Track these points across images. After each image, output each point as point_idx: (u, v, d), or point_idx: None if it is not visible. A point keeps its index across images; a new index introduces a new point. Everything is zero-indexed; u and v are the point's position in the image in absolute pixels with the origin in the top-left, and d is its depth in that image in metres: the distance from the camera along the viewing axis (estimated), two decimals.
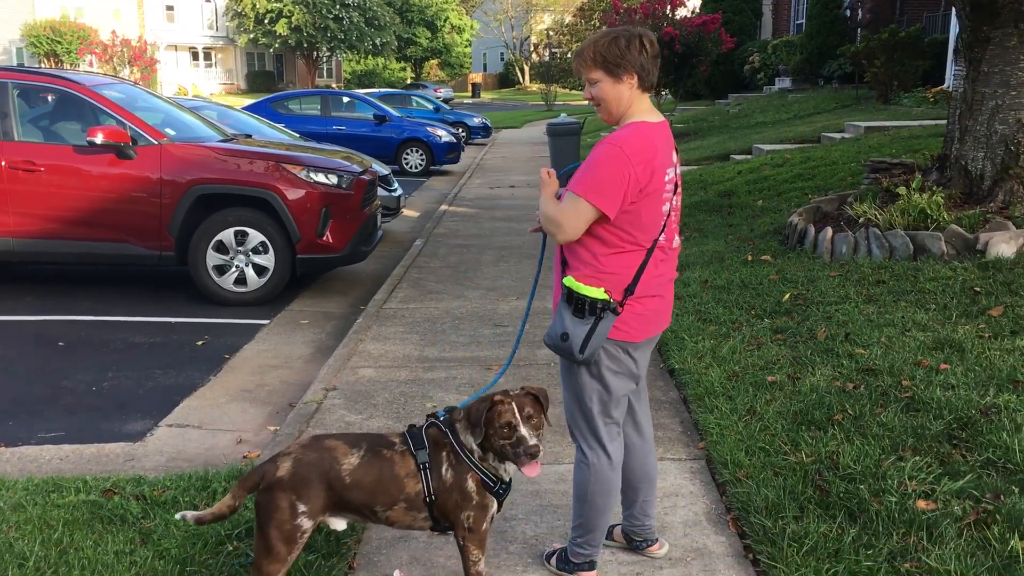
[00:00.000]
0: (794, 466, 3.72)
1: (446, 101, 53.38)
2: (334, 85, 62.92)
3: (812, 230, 7.36)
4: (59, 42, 50.46)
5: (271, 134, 11.31)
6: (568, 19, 47.91)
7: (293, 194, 7.52)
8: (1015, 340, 4.75)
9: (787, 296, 6.20)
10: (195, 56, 61.89)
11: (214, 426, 5.06)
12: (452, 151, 19.42)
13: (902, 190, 7.13)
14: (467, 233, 10.77)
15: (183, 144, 7.64)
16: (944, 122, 13.60)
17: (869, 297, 5.87)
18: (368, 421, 4.72)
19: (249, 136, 9.28)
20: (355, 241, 7.95)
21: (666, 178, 2.85)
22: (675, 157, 2.95)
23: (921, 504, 3.26)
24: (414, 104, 28.94)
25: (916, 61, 17.83)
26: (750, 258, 7.47)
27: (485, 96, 69.39)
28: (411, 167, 18.89)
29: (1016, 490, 3.28)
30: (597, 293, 2.82)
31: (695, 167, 14.13)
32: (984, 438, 3.69)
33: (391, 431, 3.33)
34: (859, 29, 22.14)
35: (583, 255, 2.88)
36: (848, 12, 22.38)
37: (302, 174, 7.61)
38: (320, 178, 7.69)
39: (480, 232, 10.93)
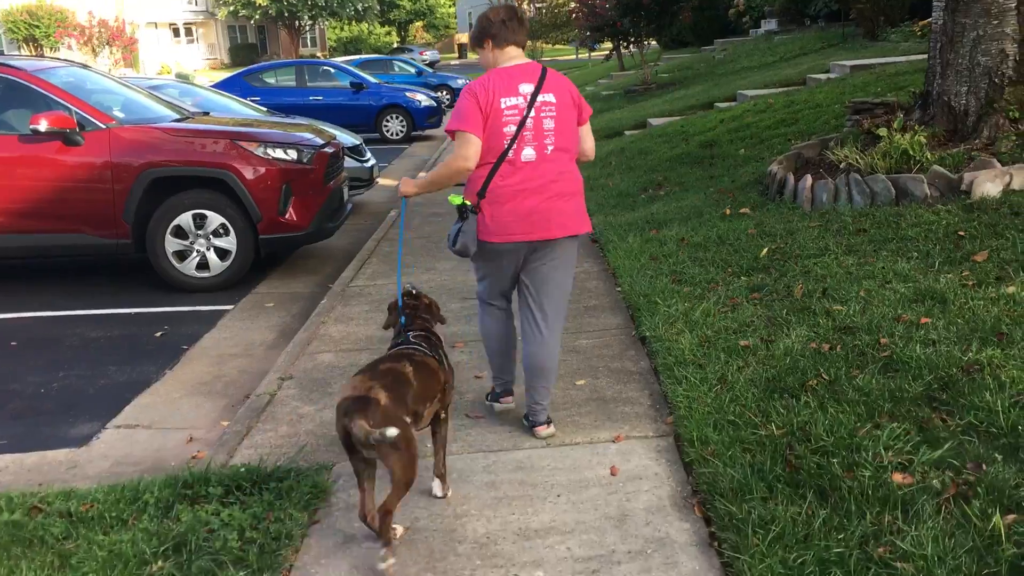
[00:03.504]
0: (764, 440, 3.46)
1: (432, 64, 52.77)
2: (319, 54, 62.10)
3: (791, 179, 7.05)
4: (37, 26, 49.69)
5: (238, 110, 10.97)
6: None
7: (250, 172, 7.22)
8: (1000, 287, 4.47)
9: (765, 251, 5.91)
10: (176, 33, 61.07)
11: (165, 424, 4.81)
12: (433, 115, 19.04)
13: (883, 131, 6.80)
14: (443, 201, 10.42)
15: (133, 127, 7.32)
16: None
17: (849, 248, 5.59)
18: (322, 412, 4.48)
19: (207, 114, 8.95)
20: (320, 217, 7.66)
21: (503, 105, 3.66)
22: (527, 88, 3.70)
23: (897, 478, 3.01)
24: (396, 69, 28.54)
25: None
26: (728, 212, 7.17)
27: (472, 56, 68.45)
28: (392, 134, 18.53)
29: (999, 457, 3.03)
30: (457, 200, 3.79)
31: (677, 118, 13.76)
32: (966, 399, 3.43)
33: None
34: None
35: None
36: None
37: (259, 151, 7.30)
38: (279, 154, 7.38)
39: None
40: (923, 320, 4.23)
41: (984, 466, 2.98)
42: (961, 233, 5.33)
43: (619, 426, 4.03)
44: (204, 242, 7.31)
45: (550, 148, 3.73)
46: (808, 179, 6.79)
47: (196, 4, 60.99)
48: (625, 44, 21.27)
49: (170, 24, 60.26)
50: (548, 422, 4.02)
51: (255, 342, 6.17)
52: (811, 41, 19.23)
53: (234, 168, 7.19)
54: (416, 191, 4.01)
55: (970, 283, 4.60)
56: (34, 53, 49.53)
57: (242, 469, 3.69)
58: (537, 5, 54.15)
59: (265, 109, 11.54)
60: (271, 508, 3.40)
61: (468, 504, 3.43)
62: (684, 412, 3.88)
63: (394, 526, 3.11)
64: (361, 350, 5.41)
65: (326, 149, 7.89)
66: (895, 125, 6.83)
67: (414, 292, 3.86)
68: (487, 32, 3.82)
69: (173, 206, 7.22)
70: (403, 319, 3.72)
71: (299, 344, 5.59)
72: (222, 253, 7.34)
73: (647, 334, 4.99)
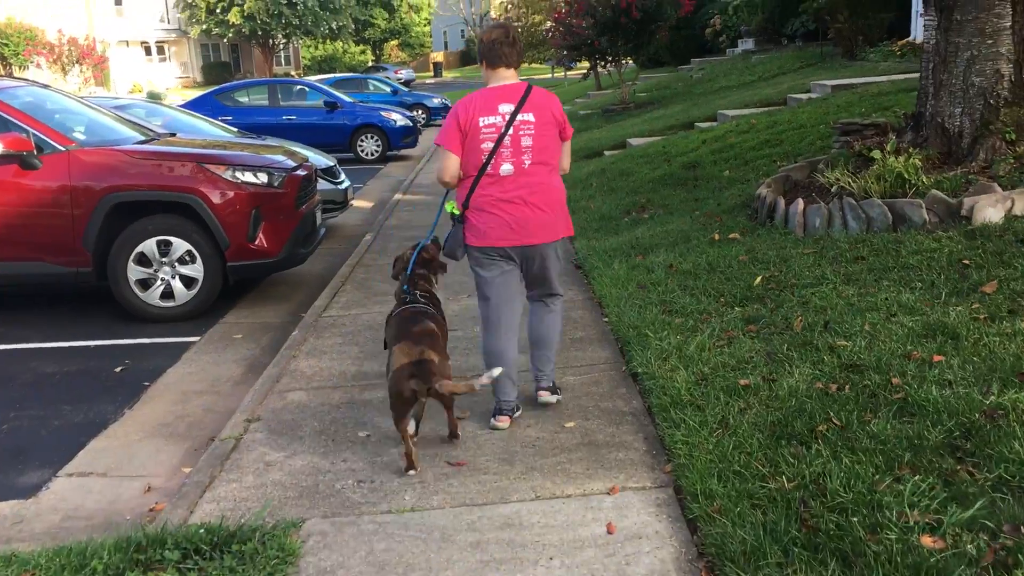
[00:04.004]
0: (775, 495, 3.17)
1: (407, 83, 52.53)
2: (293, 72, 61.74)
3: (782, 203, 6.81)
4: (6, 44, 48.96)
5: (207, 131, 10.63)
6: None
7: (218, 196, 6.88)
8: (1015, 322, 4.22)
9: (758, 279, 5.65)
10: (148, 51, 60.48)
11: (121, 472, 4.46)
12: (409, 135, 18.75)
13: (876, 153, 6.59)
14: (420, 223, 10.15)
15: (94, 149, 6.97)
16: (914, 75, 13.07)
17: (848, 277, 5.33)
18: (291, 460, 4.14)
19: (174, 135, 8.61)
20: (292, 243, 7.33)
21: (481, 123, 4.03)
22: (507, 108, 4.04)
23: (927, 541, 2.72)
24: (371, 88, 28.22)
25: (880, 14, 17.30)
26: (717, 237, 6.92)
27: (447, 75, 68.44)
28: (367, 154, 18.21)
29: None
30: (450, 208, 4.25)
31: (658, 138, 13.56)
32: (993, 448, 3.15)
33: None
34: None
35: None
36: None
37: (227, 174, 6.96)
38: (248, 177, 7.06)
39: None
40: (936, 358, 3.96)
41: (1022, 528, 2.70)
42: (966, 262, 5.09)
43: (614, 475, 3.72)
44: (169, 270, 6.97)
45: (528, 163, 4.07)
46: (800, 203, 6.55)
47: (168, 23, 60.46)
48: (602, 63, 21.09)
49: (142, 42, 59.67)
50: (549, 388, 4.50)
51: (222, 377, 5.82)
52: (789, 61, 19.16)
53: (201, 192, 6.85)
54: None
55: (982, 317, 4.35)
56: (3, 71, 48.88)
57: (201, 530, 3.35)
58: (513, 24, 54.20)
59: (236, 130, 11.20)
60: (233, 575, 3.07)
61: (452, 570, 3.11)
62: (684, 460, 3.58)
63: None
64: (335, 387, 5.07)
65: (298, 172, 7.57)
66: (888, 147, 6.62)
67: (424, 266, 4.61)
68: (480, 53, 4.21)
69: (136, 232, 6.87)
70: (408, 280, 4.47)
71: (268, 381, 5.25)
72: (188, 281, 6.99)
73: (639, 370, 4.70)
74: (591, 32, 19.10)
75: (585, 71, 24.51)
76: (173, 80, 58.74)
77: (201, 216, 6.87)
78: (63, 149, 6.80)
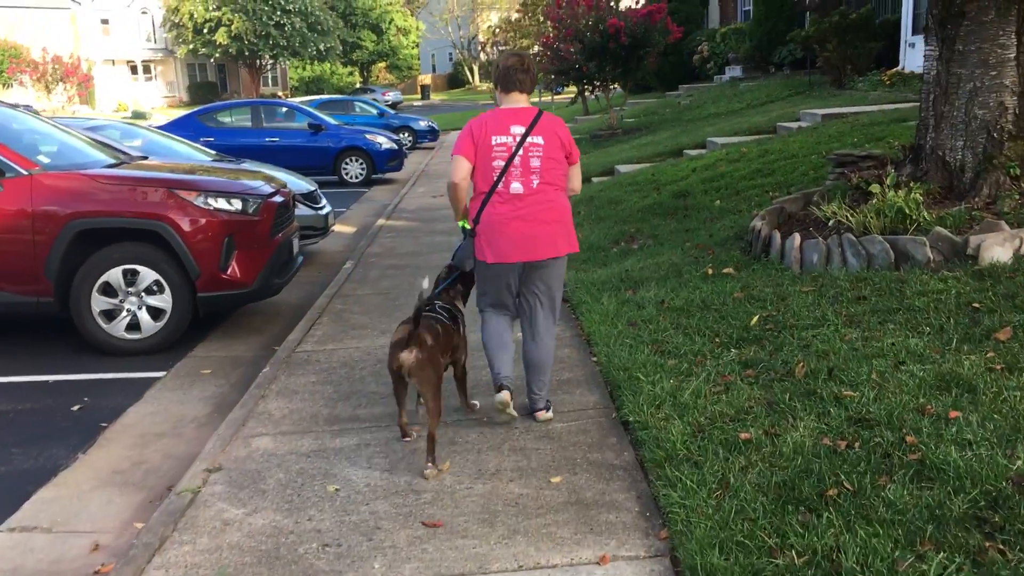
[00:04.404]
0: (783, 572, 2.86)
1: (394, 105, 52.36)
2: (280, 93, 61.52)
3: (777, 236, 6.54)
4: None
5: (183, 153, 10.31)
6: (514, 15, 47.05)
7: (188, 224, 6.55)
8: None
9: (755, 319, 5.36)
10: (134, 70, 60.15)
11: (68, 526, 4.10)
12: (394, 158, 18.47)
13: (875, 187, 6.33)
14: (403, 251, 9.85)
15: (59, 173, 6.64)
16: (906, 105, 12.95)
17: (850, 318, 5.05)
18: (251, 517, 3.79)
19: (146, 158, 8.28)
20: (266, 273, 6.99)
21: (493, 142, 4.30)
22: (518, 130, 4.31)
23: None
24: (357, 110, 28.01)
25: (869, 43, 17.22)
26: (711, 271, 6.64)
27: (435, 97, 68.35)
28: (351, 177, 17.91)
29: None
30: (462, 224, 4.54)
31: (647, 165, 13.33)
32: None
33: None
34: (808, 13, 21.51)
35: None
36: None
37: (198, 200, 6.64)
38: (220, 204, 6.73)
39: (418, 249, 10.01)
40: (952, 413, 3.67)
41: None
42: (976, 305, 4.81)
43: (604, 541, 3.40)
44: (136, 300, 6.62)
45: (536, 182, 4.34)
46: (796, 238, 6.28)
47: (155, 42, 60.16)
48: (590, 88, 20.93)
49: (128, 62, 59.34)
50: (546, 408, 4.67)
51: (186, 418, 5.47)
52: (777, 88, 19.05)
53: (170, 219, 6.52)
54: (456, 217, 4.64)
55: (998, 367, 4.06)
56: None
57: None
58: (500, 48, 54.17)
59: (214, 152, 10.86)
60: None
61: None
62: (681, 527, 3.27)
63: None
64: (304, 432, 4.73)
65: (274, 198, 7.26)
66: (888, 181, 6.37)
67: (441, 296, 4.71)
68: (497, 79, 4.50)
69: (101, 260, 6.52)
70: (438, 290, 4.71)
71: (233, 424, 4.90)
72: (156, 313, 6.65)
73: (630, 418, 4.39)
74: (579, 57, 18.94)
75: (573, 96, 24.35)
76: (159, 100, 58.37)
77: (170, 244, 6.54)
78: (25, 173, 6.46)
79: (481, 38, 68.16)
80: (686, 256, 7.47)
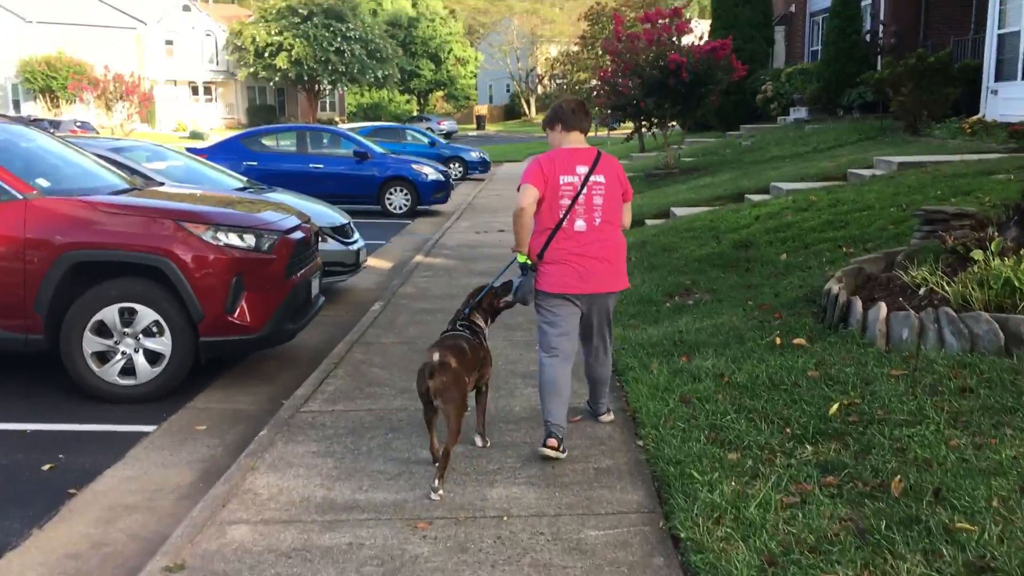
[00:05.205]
0: None
1: (449, 134, 52.20)
2: (337, 119, 61.78)
3: (859, 304, 5.67)
4: (54, 78, 49.42)
5: (211, 179, 9.73)
6: (573, 48, 46.61)
7: (194, 260, 5.91)
8: None
9: (835, 407, 4.50)
10: (195, 91, 60.95)
11: None
12: (440, 190, 17.84)
13: (977, 253, 5.45)
14: (437, 293, 9.12)
15: (58, 199, 6.05)
16: (990, 156, 11.97)
17: (955, 416, 4.17)
18: None
19: (162, 184, 7.69)
20: (279, 317, 6.31)
21: (561, 181, 4.53)
22: (583, 169, 4.57)
23: None
24: (409, 139, 27.55)
25: (947, 89, 16.22)
26: (779, 341, 5.78)
27: (490, 128, 68.19)
28: (395, 208, 17.32)
29: None
30: (523, 259, 4.69)
31: (705, 209, 12.48)
32: None
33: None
34: (880, 55, 20.57)
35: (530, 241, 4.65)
36: (869, 37, 20.80)
37: (207, 235, 5.99)
38: (231, 239, 6.08)
39: (453, 292, 9.26)
40: None
41: None
42: None
43: None
44: (132, 342, 5.97)
45: (598, 220, 4.57)
46: (882, 308, 5.41)
47: (217, 64, 60.92)
48: (647, 125, 20.16)
49: (189, 82, 60.13)
50: (608, 411, 5.10)
51: (166, 486, 4.75)
52: (846, 132, 18.10)
53: (174, 254, 5.88)
54: (519, 247, 4.70)
55: None
56: (49, 105, 49.24)
57: None
58: (558, 81, 53.77)
59: (245, 179, 10.29)
60: None
61: None
62: None
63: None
64: (290, 522, 3.97)
65: (293, 234, 6.60)
66: (992, 246, 5.48)
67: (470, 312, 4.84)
68: (559, 118, 4.73)
69: (97, 297, 5.90)
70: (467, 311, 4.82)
71: (211, 505, 4.17)
72: (153, 357, 5.99)
73: (682, 534, 3.56)
74: (637, 92, 18.20)
75: (629, 132, 23.58)
76: (218, 120, 58.98)
77: (173, 282, 5.89)
78: (20, 197, 5.88)
79: (539, 70, 67.98)
80: (748, 318, 6.62)
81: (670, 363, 5.79)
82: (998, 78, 15.82)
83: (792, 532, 3.38)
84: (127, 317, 5.93)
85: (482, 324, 4.80)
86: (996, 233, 5.83)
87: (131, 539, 4.17)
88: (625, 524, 3.86)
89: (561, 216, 4.53)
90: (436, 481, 4.19)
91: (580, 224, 4.55)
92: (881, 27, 20.77)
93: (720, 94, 19.11)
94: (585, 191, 4.54)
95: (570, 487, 4.24)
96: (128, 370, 5.98)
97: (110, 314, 5.90)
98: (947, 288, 5.41)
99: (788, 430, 4.41)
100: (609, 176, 4.63)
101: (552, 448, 4.51)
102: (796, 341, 5.69)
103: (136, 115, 46.22)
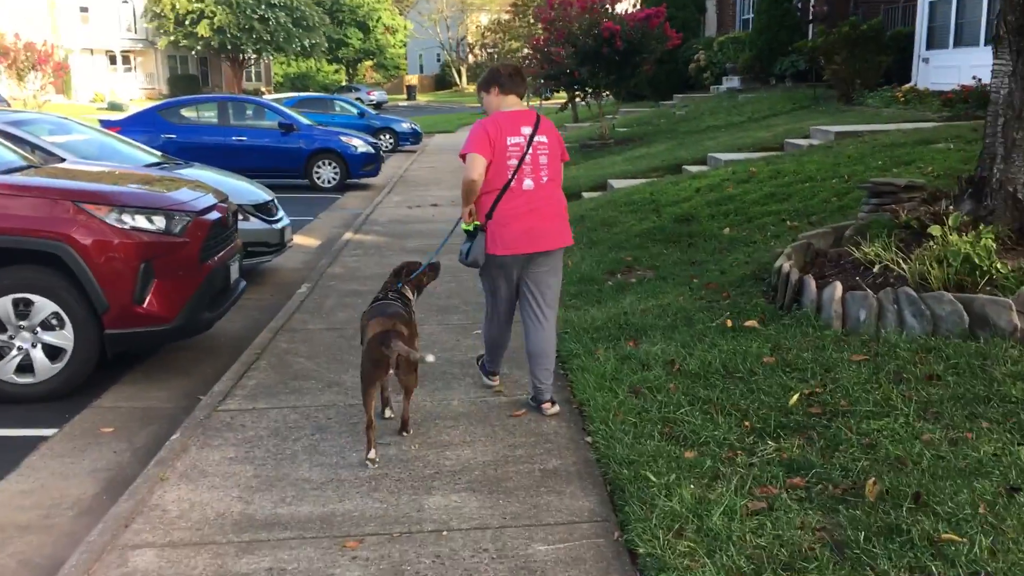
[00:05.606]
0: None
1: (379, 105, 51.10)
2: (264, 89, 60.11)
3: (812, 284, 5.40)
4: None
5: (123, 154, 9.04)
6: (504, 17, 45.88)
7: (95, 245, 5.37)
8: None
9: (795, 398, 4.22)
10: (113, 60, 58.59)
11: None
12: (370, 163, 17.21)
13: (935, 228, 5.20)
14: (367, 273, 8.65)
15: None
16: (926, 125, 11.86)
17: (923, 406, 3.91)
18: None
19: (63, 160, 7.06)
20: (193, 306, 5.80)
21: (508, 142, 4.57)
22: (527, 130, 4.63)
23: None
24: (337, 109, 26.73)
25: (879, 57, 16.19)
26: (730, 323, 5.49)
27: (421, 98, 67.06)
28: (323, 182, 16.66)
29: None
30: (466, 227, 4.71)
31: (643, 181, 12.19)
32: None
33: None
34: (811, 24, 20.50)
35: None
36: (800, 5, 20.70)
37: (110, 217, 5.44)
38: (138, 221, 5.54)
39: (384, 272, 8.66)
40: None
41: None
42: None
43: None
44: (29, 336, 5.42)
45: (544, 179, 4.66)
46: (837, 288, 5.14)
47: (135, 32, 58.59)
48: (581, 95, 19.78)
49: (107, 51, 57.77)
50: (552, 401, 4.80)
51: (65, 500, 4.26)
52: (779, 102, 18.01)
53: (73, 239, 5.33)
54: (464, 213, 4.72)
55: None
56: None
57: None
58: (489, 51, 53.08)
59: (160, 154, 9.63)
60: None
61: None
62: None
63: None
64: (202, 544, 3.54)
65: (208, 215, 6.06)
66: (950, 221, 5.24)
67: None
68: (496, 81, 4.78)
69: None
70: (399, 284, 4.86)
71: (112, 525, 3.70)
72: (53, 352, 5.45)
73: (640, 549, 3.22)
74: (570, 61, 17.79)
75: (563, 103, 23.20)
76: (138, 91, 56.83)
77: (72, 269, 5.34)
78: None
79: (470, 39, 67.04)
80: (695, 298, 6.32)
81: (616, 349, 5.46)
82: (929, 46, 15.81)
83: (761, 545, 3.07)
84: (22, 309, 5.38)
85: (411, 296, 4.86)
86: (951, 207, 5.61)
87: (22, 566, 3.69)
88: (577, 536, 3.51)
89: (510, 176, 4.57)
90: (403, 432, 4.53)
91: (528, 183, 4.60)
92: None
93: (654, 63, 18.81)
94: (531, 151, 4.60)
95: (515, 493, 3.88)
96: (25, 367, 5.44)
97: (3, 306, 5.35)
98: (903, 266, 5.17)
99: (747, 423, 4.11)
100: (551, 136, 4.72)
101: (494, 384, 5.17)
102: (748, 323, 5.40)
103: (51, 86, 44.21)
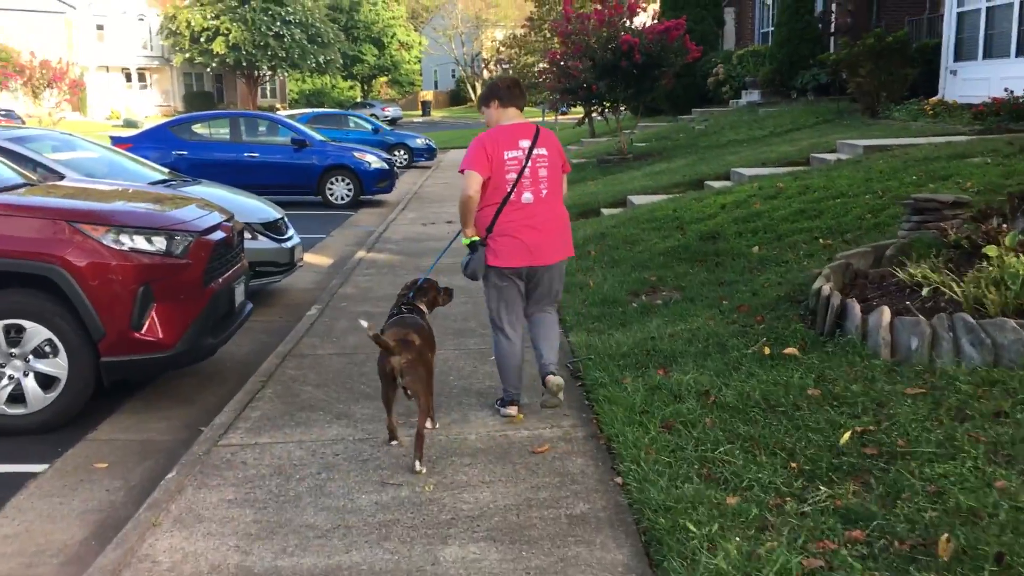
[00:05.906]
0: None
1: (394, 120, 51.04)
2: (278, 106, 60.19)
3: (856, 309, 5.01)
4: None
5: (130, 172, 8.77)
6: (519, 32, 45.70)
7: (90, 268, 5.07)
8: None
9: (847, 436, 3.84)
10: (128, 78, 58.82)
11: None
12: (384, 179, 16.94)
13: (991, 249, 4.82)
14: (380, 294, 8.31)
15: None
16: (959, 139, 11.41)
17: (993, 447, 3.53)
18: None
19: (62, 177, 6.77)
20: (195, 331, 5.48)
21: (506, 156, 4.61)
22: (525, 143, 4.66)
23: None
24: (351, 125, 26.55)
25: (905, 69, 15.77)
26: (767, 351, 5.11)
27: (436, 114, 67.05)
28: (336, 198, 16.39)
29: None
30: (466, 242, 4.74)
31: (663, 197, 11.81)
32: None
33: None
34: (833, 36, 20.13)
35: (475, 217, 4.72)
36: (821, 17, 20.33)
37: (107, 238, 5.13)
38: (137, 243, 5.23)
39: (396, 292, 8.46)
40: None
41: None
42: None
43: None
44: (20, 364, 5.12)
45: (544, 192, 4.70)
46: (885, 313, 4.75)
47: (151, 50, 58.82)
48: (599, 110, 19.44)
49: (123, 69, 58.00)
50: (556, 373, 4.80)
51: (50, 547, 3.93)
52: (802, 115, 17.60)
53: (67, 262, 5.03)
54: (466, 230, 4.74)
55: None
56: None
57: None
58: (504, 66, 52.88)
59: (167, 171, 9.35)
60: None
61: None
62: None
63: None
64: None
65: (212, 235, 5.75)
66: (1007, 241, 4.86)
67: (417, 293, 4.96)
68: (495, 95, 4.82)
69: None
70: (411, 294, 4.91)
71: None
72: (46, 381, 5.14)
73: None
74: (588, 75, 17.46)
75: (581, 118, 22.87)
76: (153, 108, 56.97)
77: (67, 294, 5.03)
78: None
79: (485, 55, 66.93)
80: (727, 322, 5.95)
81: (645, 377, 5.09)
82: (958, 58, 15.41)
83: None
84: (14, 336, 5.09)
85: (424, 309, 4.86)
86: (1005, 225, 5.22)
87: None
88: None
89: (509, 190, 4.60)
90: (417, 464, 4.22)
91: (527, 196, 4.65)
92: (835, 7, 20.32)
93: (673, 77, 18.46)
94: (530, 164, 4.64)
95: (539, 543, 3.52)
96: (17, 397, 5.14)
97: None
98: (956, 289, 4.79)
99: (794, 465, 3.73)
100: (551, 149, 4.74)
101: (512, 414, 4.87)
102: (787, 351, 5.02)
103: (66, 103, 44.31)
